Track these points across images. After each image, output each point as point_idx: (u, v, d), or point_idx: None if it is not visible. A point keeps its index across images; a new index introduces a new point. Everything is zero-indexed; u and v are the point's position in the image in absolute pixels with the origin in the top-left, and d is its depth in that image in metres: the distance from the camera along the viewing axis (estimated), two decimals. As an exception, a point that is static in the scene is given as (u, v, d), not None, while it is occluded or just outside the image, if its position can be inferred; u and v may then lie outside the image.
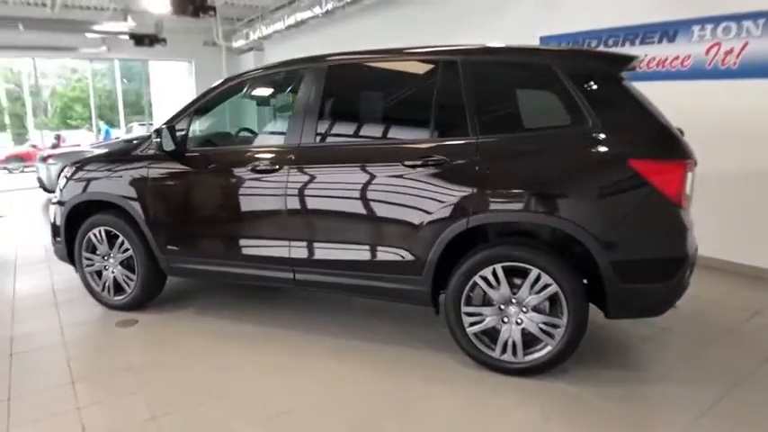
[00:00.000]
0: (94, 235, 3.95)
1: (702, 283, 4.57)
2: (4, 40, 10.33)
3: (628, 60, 2.85)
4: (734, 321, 3.80)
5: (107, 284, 4.01)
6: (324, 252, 3.28)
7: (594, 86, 2.78)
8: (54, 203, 4.17)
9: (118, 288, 3.99)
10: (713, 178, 4.92)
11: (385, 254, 3.12)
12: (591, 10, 6.00)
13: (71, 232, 4.05)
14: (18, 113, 27.55)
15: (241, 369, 3.13)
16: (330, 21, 10.07)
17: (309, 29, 10.75)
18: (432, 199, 2.95)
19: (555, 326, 2.83)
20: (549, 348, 2.87)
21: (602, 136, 2.73)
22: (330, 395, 2.85)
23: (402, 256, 3.07)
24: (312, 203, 3.26)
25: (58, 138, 15.86)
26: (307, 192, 3.25)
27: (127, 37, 10.49)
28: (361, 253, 3.19)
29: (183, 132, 3.64)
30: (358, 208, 3.15)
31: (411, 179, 2.99)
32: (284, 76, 3.61)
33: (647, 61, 5.52)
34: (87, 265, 4.06)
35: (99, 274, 4.03)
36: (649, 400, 2.79)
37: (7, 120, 27.86)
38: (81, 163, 4.10)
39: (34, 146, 18.78)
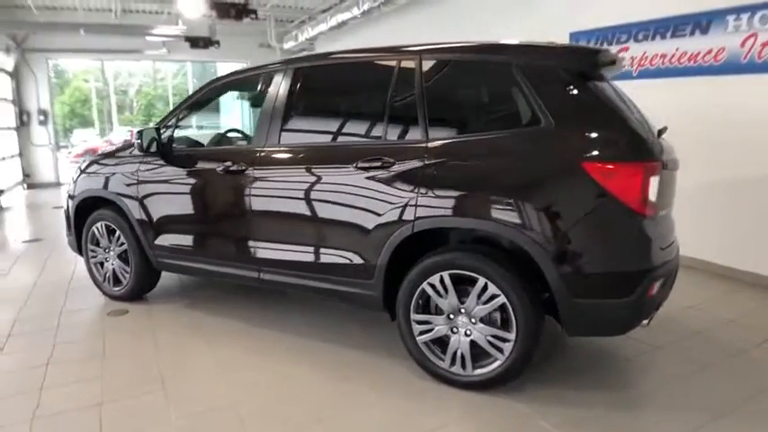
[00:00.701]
0: (97, 229, 4.20)
1: (723, 299, 4.21)
2: (74, 44, 11.21)
3: (589, 56, 2.62)
4: (743, 344, 3.41)
5: (107, 276, 4.25)
6: (284, 253, 3.29)
7: (551, 85, 2.59)
8: (67, 197, 4.46)
9: (116, 280, 4.21)
10: (753, 182, 4.48)
11: (338, 256, 3.08)
12: (621, 3, 5.65)
13: (80, 225, 4.32)
14: (106, 110, 29.98)
15: (201, 362, 3.21)
16: (370, 21, 10.12)
17: (352, 29, 10.86)
18: (381, 202, 2.87)
19: (504, 339, 2.67)
20: (498, 363, 2.71)
21: (555, 137, 2.53)
22: (270, 395, 2.84)
23: (352, 260, 3.02)
24: (271, 205, 3.29)
25: (131, 133, 16.88)
26: (266, 193, 3.29)
27: (182, 40, 11.02)
28: (316, 255, 3.17)
29: (168, 133, 3.78)
30: (313, 210, 3.14)
31: (362, 182, 2.93)
32: (259, 79, 3.64)
33: (677, 56, 5.11)
34: (92, 257, 4.32)
35: (101, 265, 4.28)
36: (612, 426, 2.55)
37: (95, 116, 30.40)
38: (94, 159, 4.36)
39: (108, 141, 20.18)
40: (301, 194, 3.15)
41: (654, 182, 2.42)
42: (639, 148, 2.44)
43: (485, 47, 2.88)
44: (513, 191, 2.57)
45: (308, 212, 3.15)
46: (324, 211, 3.09)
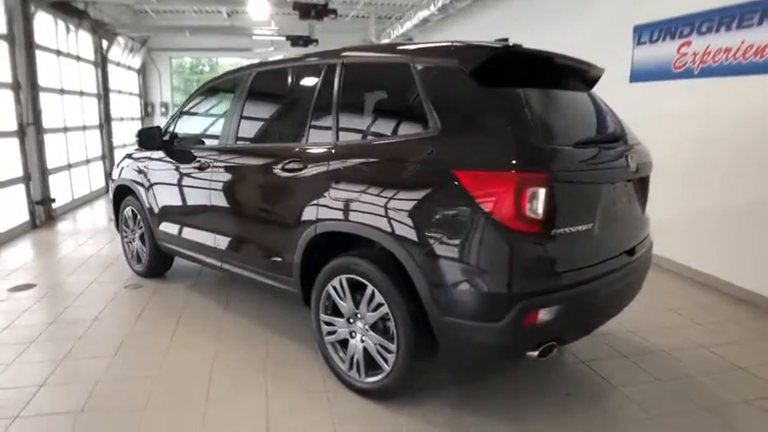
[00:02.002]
0: (126, 213, 4.80)
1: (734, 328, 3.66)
2: (194, 43, 12.59)
3: (478, 56, 2.40)
4: (729, 396, 2.91)
5: (133, 254, 4.84)
6: (234, 244, 3.51)
7: (441, 88, 2.45)
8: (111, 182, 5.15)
9: (138, 258, 4.79)
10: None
11: (269, 252, 3.23)
12: (687, -9, 4.96)
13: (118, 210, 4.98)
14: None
15: (160, 336, 3.54)
16: (451, 18, 10.01)
17: (437, 27, 10.81)
18: (296, 203, 2.95)
19: (388, 350, 2.61)
20: (383, 374, 2.65)
21: (437, 143, 2.39)
22: (188, 371, 3.07)
23: (277, 257, 3.14)
24: (223, 200, 3.52)
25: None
26: (220, 189, 3.53)
27: (284, 38, 11.80)
28: (255, 249, 3.35)
29: (171, 131, 4.20)
30: (252, 207, 3.32)
31: (285, 182, 3.03)
32: (231, 82, 3.86)
33: (742, 51, 4.38)
34: (123, 236, 4.96)
35: (130, 244, 4.89)
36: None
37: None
38: (129, 152, 4.98)
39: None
40: (244, 192, 3.34)
41: (537, 194, 2.14)
42: (515, 156, 2.16)
43: (388, 48, 2.80)
44: (391, 198, 2.48)
45: (249, 209, 3.33)
46: (259, 209, 3.25)
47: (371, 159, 2.65)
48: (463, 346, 2.39)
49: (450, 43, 2.56)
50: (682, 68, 4.91)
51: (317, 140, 2.94)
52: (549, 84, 2.69)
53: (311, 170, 2.87)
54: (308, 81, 3.09)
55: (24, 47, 6.59)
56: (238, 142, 3.51)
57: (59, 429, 2.56)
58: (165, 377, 3.05)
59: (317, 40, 12.21)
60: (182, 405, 2.76)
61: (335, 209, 2.72)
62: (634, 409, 2.73)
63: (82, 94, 8.86)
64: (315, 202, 2.82)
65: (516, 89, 2.37)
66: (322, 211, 2.78)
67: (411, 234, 2.39)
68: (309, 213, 2.85)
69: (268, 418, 2.64)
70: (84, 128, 8.95)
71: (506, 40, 2.72)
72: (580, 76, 2.95)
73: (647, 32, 5.33)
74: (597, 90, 5.98)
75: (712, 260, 4.65)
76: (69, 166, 8.14)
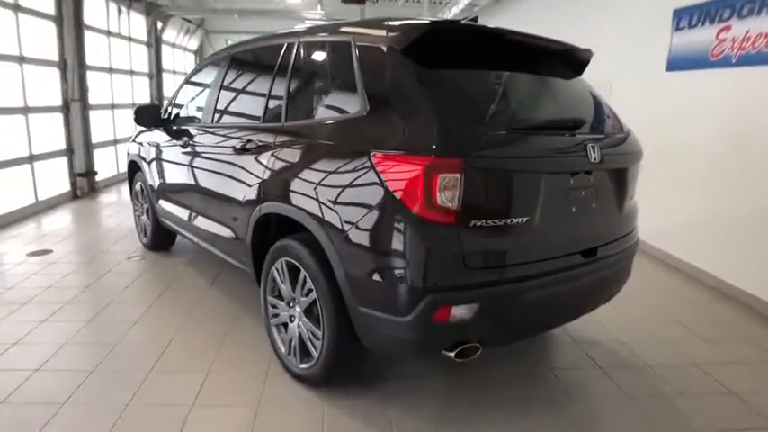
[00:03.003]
0: (136, 188, 4.98)
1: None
2: (249, 26, 12.85)
3: (414, 33, 2.21)
4: (700, 423, 2.60)
5: (142, 227, 5.04)
6: (204, 223, 3.55)
7: (373, 67, 2.31)
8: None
9: (146, 231, 4.97)
10: None
11: (226, 230, 3.23)
12: (726, -33, 4.44)
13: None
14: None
15: (141, 306, 3.66)
16: (502, 3, 9.60)
17: (486, 11, 10.42)
18: (246, 184, 2.92)
19: (317, 337, 2.53)
20: (312, 361, 2.58)
21: (363, 124, 2.26)
22: (158, 340, 3.13)
23: (233, 235, 3.13)
24: (196, 179, 3.56)
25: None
26: (194, 167, 3.58)
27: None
28: (218, 227, 3.36)
29: (167, 110, 4.29)
30: (215, 186, 3.32)
31: (241, 162, 3.01)
32: (220, 62, 3.85)
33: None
34: (135, 210, 5.16)
35: (140, 218, 5.08)
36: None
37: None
38: (141, 129, 5.14)
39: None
40: (212, 170, 3.35)
41: (450, 182, 1.96)
42: (428, 139, 1.99)
43: (337, 26, 2.67)
44: (317, 181, 2.38)
45: (216, 187, 3.34)
46: (221, 188, 3.25)
47: (306, 141, 2.56)
48: (377, 339, 2.27)
49: (384, 20, 2.40)
50: (719, 56, 4.41)
51: (270, 121, 2.89)
52: (508, 65, 2.47)
53: (261, 150, 2.83)
54: (271, 61, 3.03)
55: (73, 27, 6.98)
56: (213, 122, 3.52)
57: (12, 383, 2.69)
58: (123, 346, 3.13)
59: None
60: (123, 374, 2.82)
61: (274, 190, 2.67)
62: (579, 427, 2.49)
63: (132, 73, 9.31)
64: (259, 182, 2.78)
65: (446, 69, 2.19)
66: (264, 192, 2.74)
67: (331, 218, 2.28)
68: (256, 193, 2.81)
69: (199, 394, 2.64)
70: (134, 105, 9.39)
71: (475, 19, 2.53)
72: (554, 58, 2.69)
73: (686, 16, 4.83)
74: (630, 79, 5.61)
75: (743, 270, 4.17)
76: (116, 142, 8.59)
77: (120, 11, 8.65)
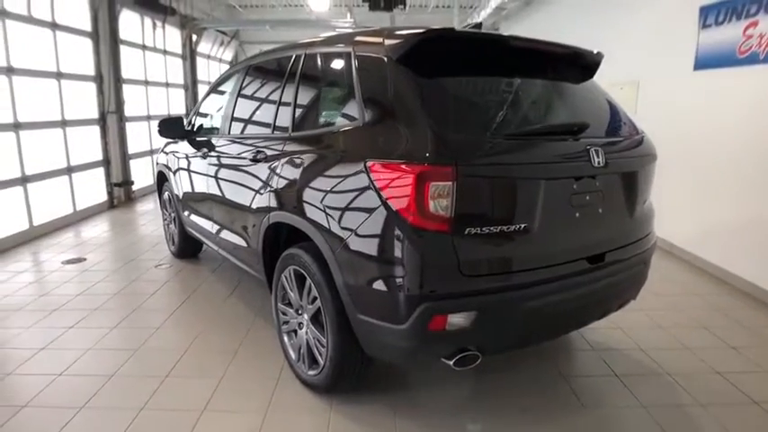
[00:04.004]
0: (164, 197, 5.15)
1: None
2: (282, 37, 13.12)
3: (408, 41, 2.22)
4: None
5: (170, 236, 5.21)
6: (220, 230, 3.64)
7: (371, 77, 2.33)
8: (157, 166, 5.54)
9: (173, 240, 5.13)
10: None
11: (240, 239, 3.30)
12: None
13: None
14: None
15: (162, 311, 3.78)
16: (532, 5, 9.48)
17: (516, 14, 10.30)
18: (258, 193, 2.98)
19: (323, 345, 2.56)
20: (319, 369, 2.61)
21: (360, 134, 2.29)
22: (167, 355, 3.23)
23: (246, 244, 3.20)
24: (215, 189, 3.65)
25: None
26: (212, 177, 3.67)
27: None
28: (233, 235, 3.44)
29: (194, 121, 4.43)
30: (231, 196, 3.39)
31: (250, 173, 3.08)
32: (233, 76, 3.94)
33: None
34: (164, 219, 5.33)
35: (168, 226, 5.25)
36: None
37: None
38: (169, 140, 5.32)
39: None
40: (228, 180, 3.43)
41: (442, 190, 1.95)
42: (420, 147, 1.99)
43: (340, 37, 2.70)
44: (318, 190, 2.41)
45: (228, 197, 3.43)
46: (236, 197, 3.32)
47: (309, 151, 2.60)
48: (377, 347, 2.28)
49: (381, 29, 2.42)
50: (746, 53, 4.24)
51: (279, 131, 2.94)
52: (510, 70, 2.45)
53: (270, 160, 2.88)
54: (281, 72, 3.09)
55: (109, 43, 7.28)
56: (229, 132, 3.61)
57: (36, 386, 2.82)
58: (143, 352, 3.24)
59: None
60: (140, 379, 2.92)
61: (281, 200, 2.72)
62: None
63: (168, 85, 9.63)
64: (268, 191, 2.84)
65: (443, 77, 2.19)
66: (273, 201, 2.79)
67: (331, 227, 2.32)
68: (265, 202, 2.87)
69: (211, 399, 2.71)
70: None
71: (479, 25, 2.52)
72: (560, 62, 2.65)
73: (713, 13, 4.66)
74: (658, 79, 5.43)
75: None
76: (152, 152, 8.89)
77: (155, 25, 8.97)
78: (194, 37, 10.55)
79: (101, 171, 7.42)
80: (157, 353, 3.23)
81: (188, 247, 4.98)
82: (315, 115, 2.75)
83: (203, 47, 11.42)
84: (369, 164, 2.13)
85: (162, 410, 2.63)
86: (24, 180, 5.77)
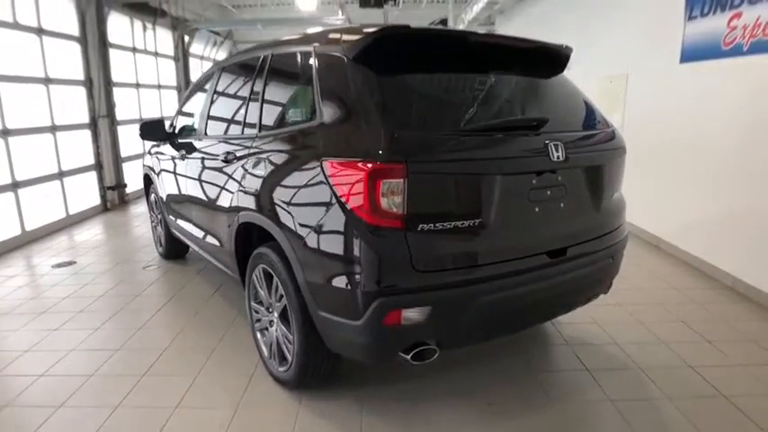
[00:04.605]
0: (151, 199, 5.21)
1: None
2: (274, 35, 13.15)
3: (364, 40, 2.25)
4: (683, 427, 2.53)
5: (157, 237, 5.26)
6: (199, 231, 3.68)
7: (328, 75, 2.37)
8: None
9: (161, 241, 5.19)
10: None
11: (215, 239, 3.35)
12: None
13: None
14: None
15: (138, 315, 3.83)
16: (523, 1, 9.48)
17: (512, 8, 10.30)
18: (228, 193, 3.02)
19: (290, 342, 2.60)
20: (287, 366, 2.65)
21: (316, 132, 2.33)
22: (147, 353, 3.28)
23: (220, 244, 3.25)
24: (187, 190, 3.71)
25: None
26: (187, 179, 3.72)
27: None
28: (208, 236, 3.49)
29: (174, 124, 4.47)
30: (204, 197, 3.44)
31: (223, 175, 3.12)
32: (208, 77, 3.98)
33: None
34: (151, 221, 5.39)
35: (156, 228, 5.30)
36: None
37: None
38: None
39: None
40: (202, 181, 3.49)
41: (393, 187, 1.98)
42: (371, 145, 2.03)
43: (303, 37, 2.73)
44: (279, 189, 2.46)
45: (203, 198, 3.47)
46: (210, 198, 3.37)
47: (273, 151, 2.64)
48: (337, 343, 2.32)
49: (340, 28, 2.45)
50: (731, 45, 4.24)
51: (249, 132, 2.98)
52: (472, 66, 2.47)
53: (240, 161, 2.93)
54: (250, 73, 3.13)
55: (98, 46, 7.33)
56: (205, 134, 3.66)
57: (18, 387, 2.89)
58: (123, 352, 3.29)
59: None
60: (119, 378, 2.97)
61: (247, 200, 2.77)
62: (554, 426, 2.47)
63: (160, 87, 9.68)
64: (237, 192, 2.89)
65: (399, 74, 2.23)
66: (242, 201, 2.84)
67: (291, 225, 2.36)
68: (235, 202, 2.92)
69: (185, 396, 2.76)
70: (162, 118, 9.78)
71: (445, 21, 2.55)
72: (525, 57, 2.67)
73: (699, 4, 4.66)
74: (645, 72, 5.44)
75: (752, 267, 4.00)
76: (144, 155, 8.94)
77: (145, 27, 9.02)
78: (186, 38, 10.60)
79: (93, 175, 7.48)
80: (137, 353, 3.28)
81: (174, 249, 5.03)
82: (280, 115, 2.79)
83: (196, 48, 11.47)
84: (324, 162, 2.17)
85: (136, 408, 2.68)
86: (15, 186, 5.83)
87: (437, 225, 2.07)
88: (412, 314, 2.07)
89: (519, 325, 2.63)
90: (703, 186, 4.58)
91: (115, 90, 7.82)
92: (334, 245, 2.14)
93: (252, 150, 2.81)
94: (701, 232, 4.62)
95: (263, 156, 2.68)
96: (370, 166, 1.99)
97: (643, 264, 4.85)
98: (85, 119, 7.28)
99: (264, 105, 2.86)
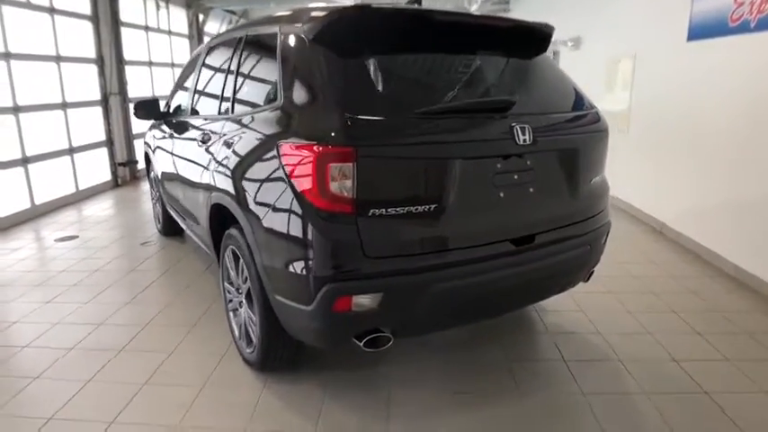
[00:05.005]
0: (151, 176, 5.26)
1: None
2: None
3: (323, 19, 2.17)
4: (655, 421, 2.44)
5: (156, 214, 5.33)
6: (182, 211, 3.70)
7: (290, 56, 2.31)
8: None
9: (159, 218, 5.25)
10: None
11: (195, 219, 3.36)
12: None
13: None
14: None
15: (128, 290, 3.89)
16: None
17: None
18: (204, 174, 3.01)
19: (254, 324, 2.59)
20: (253, 347, 2.65)
21: (278, 114, 2.28)
22: (131, 328, 3.32)
23: (197, 223, 3.25)
24: (174, 169, 3.72)
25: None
26: (174, 158, 3.73)
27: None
28: (189, 215, 3.50)
29: (168, 102, 4.48)
30: (185, 177, 3.47)
31: (201, 154, 3.11)
32: (198, 55, 3.95)
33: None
34: (152, 198, 5.45)
35: (155, 206, 5.36)
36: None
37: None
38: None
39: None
40: (184, 159, 3.49)
41: (342, 171, 1.93)
42: (321, 128, 1.98)
43: (268, 19, 2.67)
44: (242, 172, 2.43)
45: (186, 178, 3.47)
46: (190, 178, 3.36)
47: (240, 132, 2.60)
48: (293, 328, 2.29)
49: (307, 7, 2.38)
50: (738, 21, 4.01)
51: (223, 113, 2.96)
52: (440, 47, 2.38)
53: (214, 142, 2.91)
54: (229, 54, 3.09)
55: (110, 25, 7.39)
56: (190, 113, 3.65)
57: (2, 357, 2.97)
58: (106, 327, 3.35)
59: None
60: (95, 352, 3.02)
61: (218, 180, 2.75)
62: (514, 425, 2.40)
63: (173, 65, 9.73)
64: (211, 171, 2.88)
65: (358, 56, 2.15)
66: (213, 181, 2.82)
67: (251, 207, 2.33)
68: (208, 181, 2.91)
69: (155, 373, 2.79)
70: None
71: (419, 1, 2.45)
72: (499, 37, 2.55)
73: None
74: (653, 51, 5.21)
75: (756, 255, 3.82)
76: (158, 132, 9.05)
77: (158, 6, 9.04)
78: (201, 17, 10.59)
79: (104, 151, 7.60)
80: (119, 327, 3.33)
81: (172, 225, 5.07)
82: (249, 97, 2.75)
83: (211, 26, 11.46)
84: (279, 145, 2.12)
85: (106, 383, 2.73)
86: (25, 161, 5.96)
87: (389, 210, 2.01)
88: (363, 300, 2.03)
89: (483, 313, 2.57)
90: (709, 169, 4.38)
91: (127, 68, 7.88)
92: (286, 228, 2.11)
93: (224, 131, 2.78)
94: (706, 217, 4.44)
95: (233, 137, 2.65)
96: (319, 149, 1.94)
97: (641, 250, 4.70)
98: (97, 96, 7.36)
99: (237, 86, 2.83)
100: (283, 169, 2.08)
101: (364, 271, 2.01)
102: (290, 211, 2.07)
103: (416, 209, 2.05)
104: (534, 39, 2.66)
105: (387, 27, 2.26)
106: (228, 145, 2.65)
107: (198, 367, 2.84)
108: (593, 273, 2.90)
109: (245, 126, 2.58)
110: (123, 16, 7.76)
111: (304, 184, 2.00)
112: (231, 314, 2.97)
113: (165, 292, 3.87)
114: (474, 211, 2.19)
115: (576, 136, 2.51)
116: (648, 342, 3.09)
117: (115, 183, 7.77)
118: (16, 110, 5.78)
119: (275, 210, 2.15)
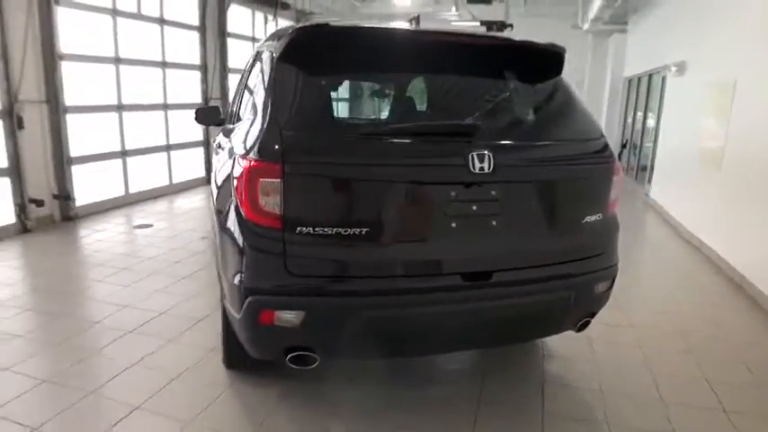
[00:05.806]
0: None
1: None
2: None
3: (287, 38, 2.20)
4: None
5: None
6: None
7: (266, 73, 2.40)
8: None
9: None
10: None
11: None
12: None
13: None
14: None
15: (156, 278, 4.24)
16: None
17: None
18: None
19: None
20: (226, 346, 2.78)
21: (245, 128, 2.38)
22: (133, 314, 3.63)
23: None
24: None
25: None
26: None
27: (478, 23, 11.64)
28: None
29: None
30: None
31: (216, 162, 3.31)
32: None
33: None
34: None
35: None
36: None
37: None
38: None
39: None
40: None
41: (271, 187, 1.97)
42: (257, 144, 2.04)
43: (271, 35, 2.77)
44: (216, 182, 2.61)
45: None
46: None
47: (226, 144, 2.74)
48: (236, 334, 2.36)
49: (294, 25, 2.47)
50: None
51: (229, 123, 3.14)
52: (410, 65, 2.34)
53: (218, 150, 3.11)
54: (248, 68, 3.28)
55: (217, 35, 8.13)
56: (228, 121, 3.90)
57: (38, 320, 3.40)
58: (128, 309, 3.69)
59: (511, 25, 11.62)
60: (110, 329, 3.35)
61: (212, 188, 2.93)
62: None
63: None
64: (212, 180, 3.08)
65: (316, 74, 2.19)
66: (212, 190, 3.00)
67: (215, 216, 2.46)
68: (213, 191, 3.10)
69: (144, 357, 3.03)
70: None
71: (417, 19, 2.46)
72: (483, 56, 2.43)
73: None
74: (760, 76, 4.50)
75: None
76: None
77: (266, 19, 9.75)
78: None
79: (201, 150, 8.35)
80: (139, 311, 3.64)
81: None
82: (242, 109, 2.89)
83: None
84: (234, 156, 2.23)
85: (106, 358, 3.02)
86: (124, 153, 6.75)
87: (317, 230, 2.01)
88: (287, 316, 2.05)
89: (430, 347, 2.43)
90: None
91: (230, 76, 8.59)
92: (226, 238, 2.21)
93: (220, 142, 2.96)
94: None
95: (224, 148, 2.81)
96: (250, 163, 2.01)
97: (709, 301, 4.15)
98: (198, 100, 8.12)
99: (242, 99, 2.99)
100: (232, 181, 2.18)
101: (288, 287, 2.03)
102: (230, 221, 2.17)
103: (347, 231, 2.03)
104: (531, 59, 2.49)
105: (346, 46, 2.26)
106: (218, 156, 2.82)
107: (184, 359, 3.00)
108: (588, 322, 2.62)
109: (231, 138, 2.72)
110: (230, 27, 8.48)
111: (240, 197, 2.08)
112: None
113: (194, 285, 4.17)
114: (416, 240, 2.11)
115: (563, 167, 2.30)
116: (656, 412, 2.71)
117: (208, 180, 8.47)
118: (119, 108, 6.57)
119: (225, 218, 2.25)
